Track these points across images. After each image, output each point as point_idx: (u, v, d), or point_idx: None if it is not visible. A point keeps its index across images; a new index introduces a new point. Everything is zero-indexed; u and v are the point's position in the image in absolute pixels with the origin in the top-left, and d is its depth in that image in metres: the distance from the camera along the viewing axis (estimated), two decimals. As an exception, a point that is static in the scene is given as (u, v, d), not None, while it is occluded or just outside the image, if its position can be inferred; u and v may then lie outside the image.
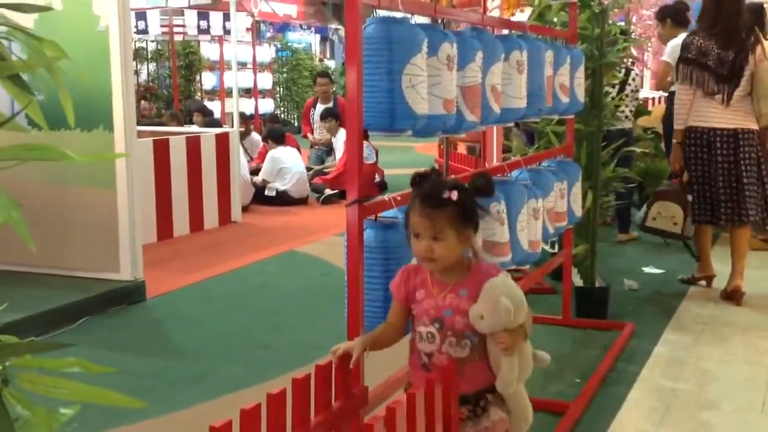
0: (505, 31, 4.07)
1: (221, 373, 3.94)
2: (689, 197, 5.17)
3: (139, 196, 5.26)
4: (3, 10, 1.30)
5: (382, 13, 2.91)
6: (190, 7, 12.94)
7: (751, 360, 4.06)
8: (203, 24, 13.48)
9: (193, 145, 7.28)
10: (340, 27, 26.77)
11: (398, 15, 2.66)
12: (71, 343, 1.25)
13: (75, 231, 5.10)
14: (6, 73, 1.23)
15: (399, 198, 2.52)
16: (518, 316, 2.16)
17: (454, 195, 2.16)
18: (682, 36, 6.34)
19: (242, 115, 9.89)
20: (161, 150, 6.93)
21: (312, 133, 10.83)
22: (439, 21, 3.21)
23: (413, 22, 2.59)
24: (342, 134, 9.87)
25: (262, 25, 19.79)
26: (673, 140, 5.23)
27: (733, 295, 5.01)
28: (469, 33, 2.98)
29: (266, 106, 18.12)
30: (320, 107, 10.62)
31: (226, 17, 13.62)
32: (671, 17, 6.58)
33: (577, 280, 4.81)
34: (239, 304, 5.19)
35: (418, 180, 2.30)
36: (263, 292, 5.47)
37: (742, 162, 4.91)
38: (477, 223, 2.24)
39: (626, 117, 6.25)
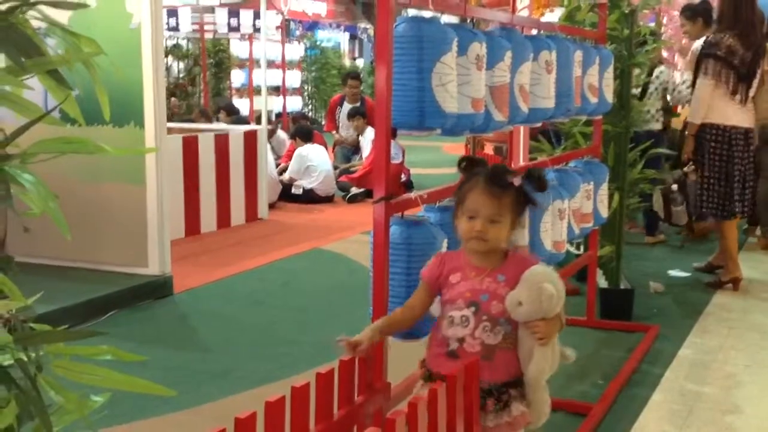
0: (534, 31, 4.08)
1: (246, 368, 3.98)
2: (697, 189, 5.43)
3: (168, 192, 5.32)
4: (41, 6, 1.33)
5: (411, 12, 2.93)
6: (221, 5, 13.04)
7: (777, 365, 4.04)
8: (233, 22, 13.57)
9: (222, 142, 7.34)
10: (369, 26, 26.84)
11: (427, 14, 2.68)
12: (103, 331, 1.28)
13: (105, 226, 5.17)
14: (45, 68, 1.27)
15: (425, 196, 2.54)
16: (558, 304, 2.17)
17: (517, 181, 2.22)
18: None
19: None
20: (190, 147, 6.99)
21: (337, 130, 10.87)
22: (468, 20, 3.22)
23: (442, 22, 2.61)
24: (370, 133, 9.90)
25: (291, 23, 19.87)
26: (687, 132, 5.45)
27: (734, 283, 5.34)
28: (499, 33, 2.99)
29: (294, 104, 18.19)
30: (347, 106, 10.65)
31: (257, 15, 13.71)
32: (703, 16, 6.55)
33: (602, 282, 4.80)
34: (264, 300, 5.23)
35: (465, 165, 2.35)
36: (288, 290, 5.51)
37: (749, 159, 5.28)
38: (526, 212, 2.32)
39: (652, 117, 6.21)
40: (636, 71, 4.94)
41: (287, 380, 3.71)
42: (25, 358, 1.25)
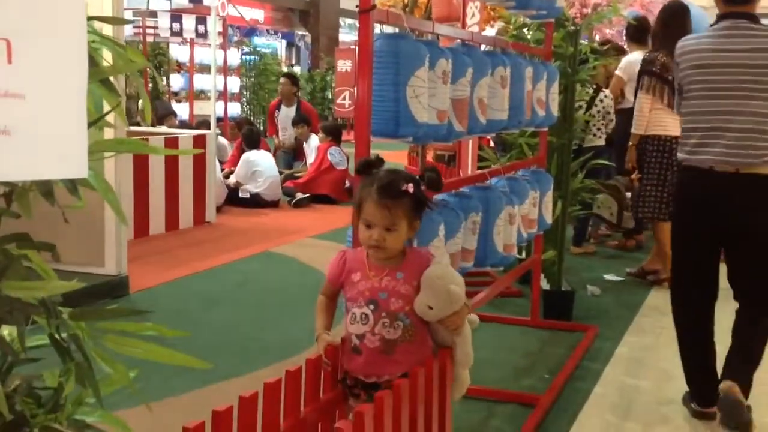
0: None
1: (209, 362, 4.11)
2: (637, 194, 5.90)
3: (125, 193, 5.41)
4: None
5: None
6: (171, 11, 13.03)
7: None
8: (176, 26, 13.58)
9: (172, 146, 7.43)
10: (306, 33, 27.00)
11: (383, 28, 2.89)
12: (147, 310, 1.45)
13: (63, 225, 5.22)
14: (99, 77, 1.43)
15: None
16: (459, 302, 2.29)
17: (411, 188, 2.27)
18: (636, 53, 6.75)
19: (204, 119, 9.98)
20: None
21: (277, 134, 11.02)
22: (430, 37, 3.45)
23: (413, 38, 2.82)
24: (314, 140, 10.10)
25: (229, 28, 19.87)
26: (630, 143, 5.88)
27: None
28: (461, 50, 3.23)
29: (233, 109, 18.20)
30: (284, 109, 10.83)
31: (199, 20, 13.77)
32: (632, 36, 6.99)
33: (544, 284, 5.07)
34: (221, 300, 5.37)
35: (363, 168, 2.39)
36: (243, 290, 5.65)
37: None
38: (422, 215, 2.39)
39: (594, 135, 6.56)
40: (578, 87, 5.23)
41: (252, 374, 3.88)
42: (79, 333, 1.41)
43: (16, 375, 1.40)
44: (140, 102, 11.50)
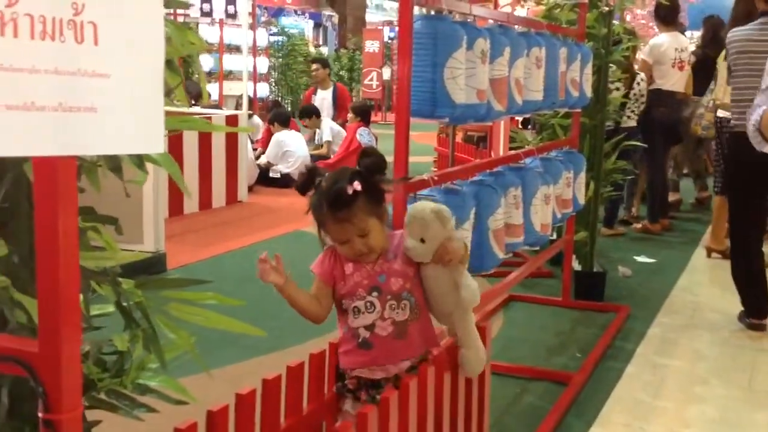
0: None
1: (251, 337, 4.20)
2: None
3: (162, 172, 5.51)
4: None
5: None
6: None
7: (737, 343, 4.37)
8: (206, 7, 13.62)
9: (205, 125, 7.51)
10: (333, 13, 27.00)
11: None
12: (207, 280, 1.52)
13: (103, 202, 5.33)
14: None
15: (436, 178, 2.82)
16: (449, 222, 2.16)
17: (358, 185, 2.08)
18: (664, 35, 6.72)
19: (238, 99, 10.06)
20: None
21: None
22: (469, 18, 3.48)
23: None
24: (326, 123, 10.16)
25: (257, 9, 19.94)
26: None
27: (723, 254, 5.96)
28: (498, 30, 3.26)
29: (262, 90, 18.29)
30: (321, 92, 10.88)
31: (229, 1, 13.81)
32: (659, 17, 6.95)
33: (576, 265, 5.11)
34: (253, 278, 5.40)
35: (305, 186, 2.20)
36: (276, 268, 5.72)
37: None
38: (385, 197, 2.21)
39: (628, 117, 6.55)
40: (612, 68, 5.23)
41: (290, 349, 3.98)
42: (144, 301, 1.48)
43: (86, 341, 1.47)
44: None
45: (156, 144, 1.10)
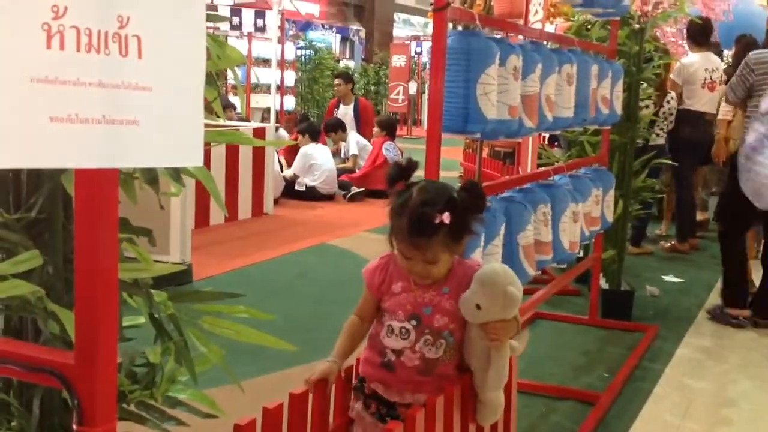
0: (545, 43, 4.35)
1: (274, 349, 4.20)
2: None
3: (189, 184, 5.54)
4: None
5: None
6: (234, 5, 13.19)
7: (767, 365, 4.31)
8: (235, 20, 13.74)
9: (232, 137, 7.55)
10: (360, 28, 27.15)
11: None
12: (240, 294, 1.51)
13: (132, 213, 5.37)
14: (200, 70, 1.50)
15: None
16: (514, 308, 2.02)
17: (447, 218, 1.93)
18: (694, 56, 6.66)
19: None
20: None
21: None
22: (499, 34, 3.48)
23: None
24: (352, 137, 10.19)
25: (285, 22, 20.07)
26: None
27: None
28: (530, 47, 3.25)
29: (288, 103, 18.38)
30: (343, 107, 10.93)
31: (258, 14, 13.92)
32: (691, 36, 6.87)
33: (603, 283, 5.06)
34: (280, 290, 5.46)
35: (391, 180, 2.06)
36: (302, 281, 5.74)
37: None
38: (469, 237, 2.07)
39: (657, 135, 6.50)
40: (643, 85, 5.20)
41: (316, 363, 3.95)
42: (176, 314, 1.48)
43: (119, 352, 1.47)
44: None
45: (196, 157, 1.10)
